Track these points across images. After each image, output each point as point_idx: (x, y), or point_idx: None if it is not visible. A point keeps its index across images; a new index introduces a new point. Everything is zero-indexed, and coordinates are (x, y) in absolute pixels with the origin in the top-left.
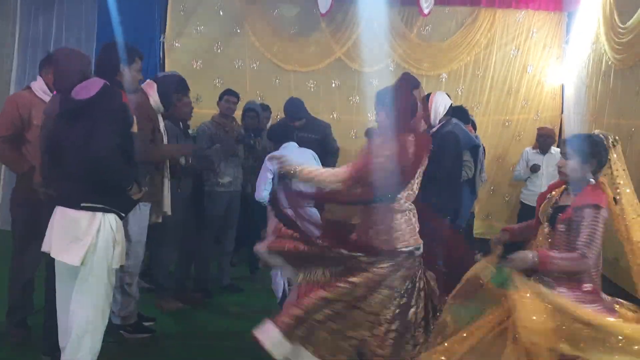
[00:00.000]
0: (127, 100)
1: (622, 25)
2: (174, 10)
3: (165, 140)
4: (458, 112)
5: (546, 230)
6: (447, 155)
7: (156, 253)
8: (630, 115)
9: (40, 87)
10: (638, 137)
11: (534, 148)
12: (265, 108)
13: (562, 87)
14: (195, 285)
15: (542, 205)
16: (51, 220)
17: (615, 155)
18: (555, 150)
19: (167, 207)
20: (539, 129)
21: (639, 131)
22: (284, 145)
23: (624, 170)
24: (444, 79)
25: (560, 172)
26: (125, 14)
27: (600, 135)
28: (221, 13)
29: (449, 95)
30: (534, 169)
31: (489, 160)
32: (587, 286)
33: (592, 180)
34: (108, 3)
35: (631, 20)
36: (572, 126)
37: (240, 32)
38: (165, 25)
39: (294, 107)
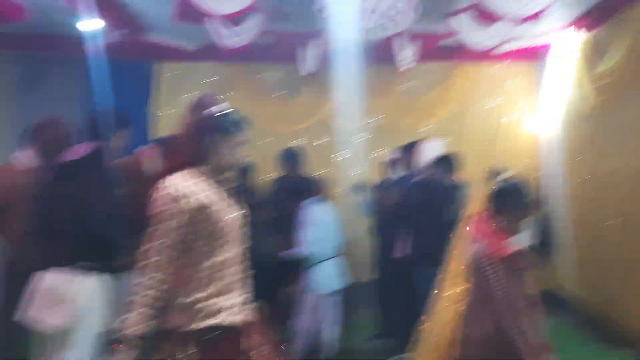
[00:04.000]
0: (113, 164)
1: (594, 73)
2: (162, 80)
3: None
4: (447, 161)
5: None
6: (433, 203)
7: None
8: (611, 156)
9: (26, 157)
10: (618, 178)
11: None
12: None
13: (539, 136)
14: None
15: None
16: (32, 285)
17: None
18: None
19: None
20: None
21: (619, 173)
22: (309, 201)
23: None
24: (425, 133)
25: None
26: (114, 86)
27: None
28: (208, 81)
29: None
30: None
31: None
32: None
33: None
34: (97, 76)
35: (604, 67)
36: (552, 172)
37: (227, 98)
38: (153, 95)
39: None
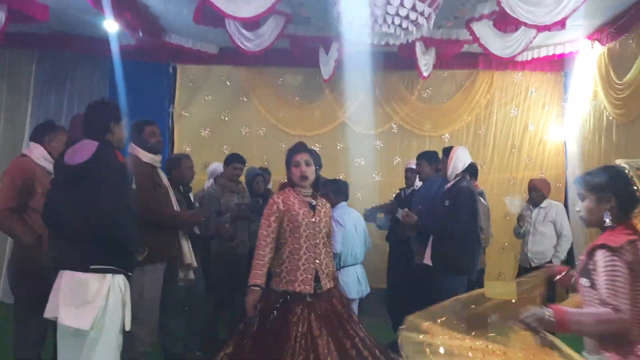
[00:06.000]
0: (123, 159)
1: (618, 82)
2: (183, 81)
3: (172, 196)
4: (469, 168)
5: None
6: (463, 211)
7: (163, 318)
8: None
9: (41, 154)
10: None
11: (528, 202)
12: (265, 171)
13: (565, 143)
14: (203, 350)
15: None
16: (56, 285)
17: None
18: (547, 203)
19: (191, 260)
20: (529, 182)
21: None
22: (341, 204)
23: None
24: (446, 139)
25: (580, 218)
26: (135, 87)
27: (622, 165)
28: (228, 83)
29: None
30: (519, 219)
31: (497, 218)
32: None
33: (608, 221)
34: (118, 76)
35: (627, 76)
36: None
37: (246, 100)
38: (174, 96)
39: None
